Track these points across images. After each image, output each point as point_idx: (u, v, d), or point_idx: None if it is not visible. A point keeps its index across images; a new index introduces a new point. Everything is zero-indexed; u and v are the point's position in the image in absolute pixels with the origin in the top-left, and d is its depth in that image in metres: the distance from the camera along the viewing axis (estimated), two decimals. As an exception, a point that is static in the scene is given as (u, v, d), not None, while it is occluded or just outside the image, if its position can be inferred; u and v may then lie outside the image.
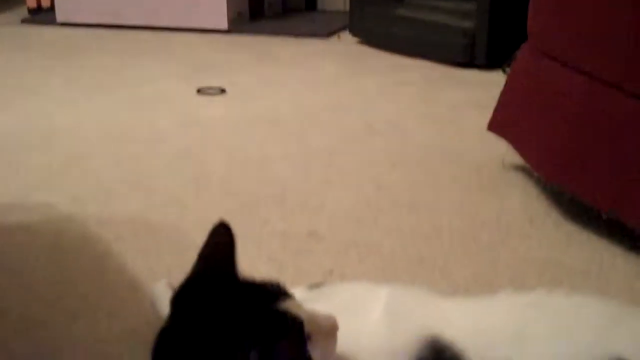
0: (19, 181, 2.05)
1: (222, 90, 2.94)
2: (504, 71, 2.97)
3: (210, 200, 1.89)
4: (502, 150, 2.02)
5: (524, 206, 1.81)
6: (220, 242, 0.88)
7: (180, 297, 0.87)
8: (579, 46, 1.70)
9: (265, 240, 1.65)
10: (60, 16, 4.28)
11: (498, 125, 2.03)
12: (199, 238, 1.58)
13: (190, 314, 0.84)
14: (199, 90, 2.92)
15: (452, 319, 0.97)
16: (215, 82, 3.00)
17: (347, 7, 3.92)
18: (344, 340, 0.90)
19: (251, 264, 1.49)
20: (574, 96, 1.71)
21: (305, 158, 2.23)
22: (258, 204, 1.85)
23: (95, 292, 1.44)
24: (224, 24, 4.06)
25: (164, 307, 1.05)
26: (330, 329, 0.86)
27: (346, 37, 3.92)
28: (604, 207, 1.60)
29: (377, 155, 2.24)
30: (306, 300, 1.13)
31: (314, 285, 1.24)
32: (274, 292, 0.86)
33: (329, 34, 4.02)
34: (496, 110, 2.05)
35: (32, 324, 1.33)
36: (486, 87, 2.70)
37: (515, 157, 1.98)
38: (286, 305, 0.84)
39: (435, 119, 2.63)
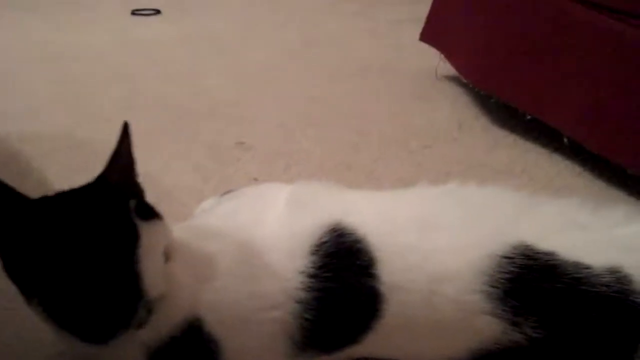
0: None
1: (157, 11, 2.87)
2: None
3: (142, 116, 1.85)
4: (436, 61, 2.02)
5: (453, 113, 1.82)
6: None
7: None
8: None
9: (194, 151, 1.63)
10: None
11: (429, 34, 2.03)
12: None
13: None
14: (133, 12, 2.85)
15: (356, 207, 0.96)
16: (150, 4, 2.92)
17: None
18: (250, 230, 0.90)
19: (178, 173, 1.49)
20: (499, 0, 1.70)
21: (240, 73, 2.20)
22: (189, 118, 1.82)
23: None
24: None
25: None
26: None
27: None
28: (529, 110, 1.61)
29: (314, 69, 2.22)
30: (217, 204, 1.13)
31: (226, 193, 1.24)
32: None
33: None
34: (428, 20, 2.04)
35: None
36: (429, 3, 2.67)
37: (447, 68, 1.98)
38: None
39: (374, 33, 2.62)
